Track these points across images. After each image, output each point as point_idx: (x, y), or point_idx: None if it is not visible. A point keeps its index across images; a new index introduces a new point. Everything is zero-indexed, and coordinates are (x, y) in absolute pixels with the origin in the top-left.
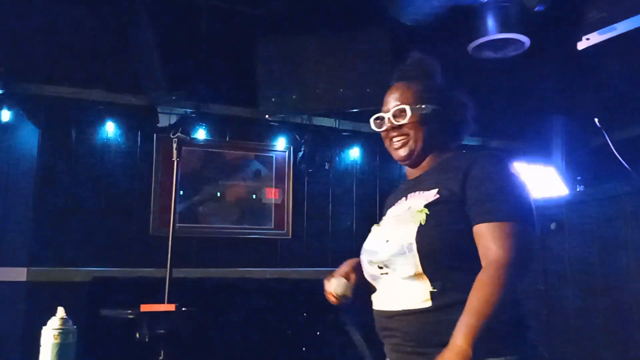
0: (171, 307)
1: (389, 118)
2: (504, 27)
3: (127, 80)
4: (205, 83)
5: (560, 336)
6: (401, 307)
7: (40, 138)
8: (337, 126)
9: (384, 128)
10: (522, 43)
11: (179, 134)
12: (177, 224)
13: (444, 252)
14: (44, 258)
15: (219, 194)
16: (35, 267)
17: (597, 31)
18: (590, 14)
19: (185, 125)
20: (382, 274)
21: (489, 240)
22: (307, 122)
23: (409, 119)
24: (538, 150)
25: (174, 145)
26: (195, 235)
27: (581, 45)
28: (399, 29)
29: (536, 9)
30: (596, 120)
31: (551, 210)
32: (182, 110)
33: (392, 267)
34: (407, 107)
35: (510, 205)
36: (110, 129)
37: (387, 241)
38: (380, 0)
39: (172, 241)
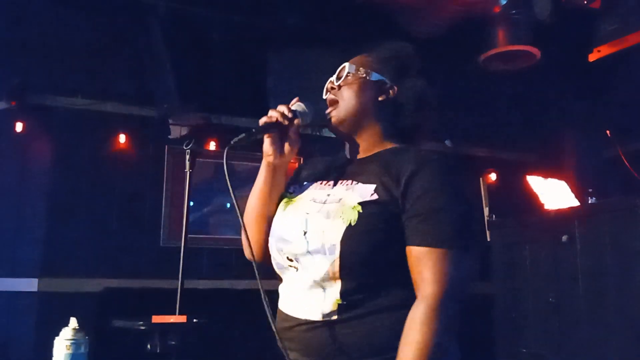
0: (182, 319)
1: (330, 80)
2: (514, 39)
3: (139, 93)
4: (217, 95)
5: (573, 349)
6: (303, 316)
7: (53, 149)
8: None
9: (326, 92)
10: (533, 55)
11: (192, 145)
12: (188, 235)
13: (369, 260)
14: (55, 268)
15: (229, 205)
16: (46, 277)
17: (608, 43)
18: (601, 26)
19: (196, 136)
20: (290, 266)
21: (425, 268)
22: (317, 134)
23: (344, 80)
24: (549, 161)
25: (187, 157)
26: (206, 246)
27: (592, 57)
28: (410, 42)
29: (547, 21)
30: (608, 131)
31: (563, 223)
32: (193, 122)
33: (305, 264)
34: (348, 65)
35: (454, 229)
36: (122, 140)
37: (305, 233)
38: (391, 13)
39: (184, 252)
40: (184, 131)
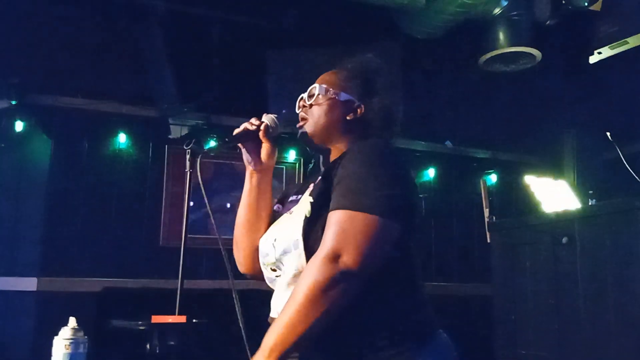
0: (182, 319)
1: (301, 97)
2: (515, 40)
3: (139, 92)
4: (216, 95)
5: (573, 351)
6: None
7: (53, 149)
8: None
9: (298, 108)
10: (534, 56)
11: (192, 145)
12: (188, 235)
13: None
14: (55, 268)
15: (229, 205)
16: (45, 277)
17: (609, 45)
18: (601, 28)
19: (196, 136)
20: (276, 276)
21: (326, 230)
22: None
23: (315, 100)
24: (550, 163)
25: (187, 157)
26: (206, 246)
27: (593, 59)
28: (411, 43)
29: (548, 22)
30: (608, 133)
31: (563, 224)
32: (193, 122)
33: (282, 267)
34: (318, 87)
35: (362, 192)
36: (122, 140)
37: (275, 240)
38: (392, 14)
39: (183, 252)
40: (184, 131)
